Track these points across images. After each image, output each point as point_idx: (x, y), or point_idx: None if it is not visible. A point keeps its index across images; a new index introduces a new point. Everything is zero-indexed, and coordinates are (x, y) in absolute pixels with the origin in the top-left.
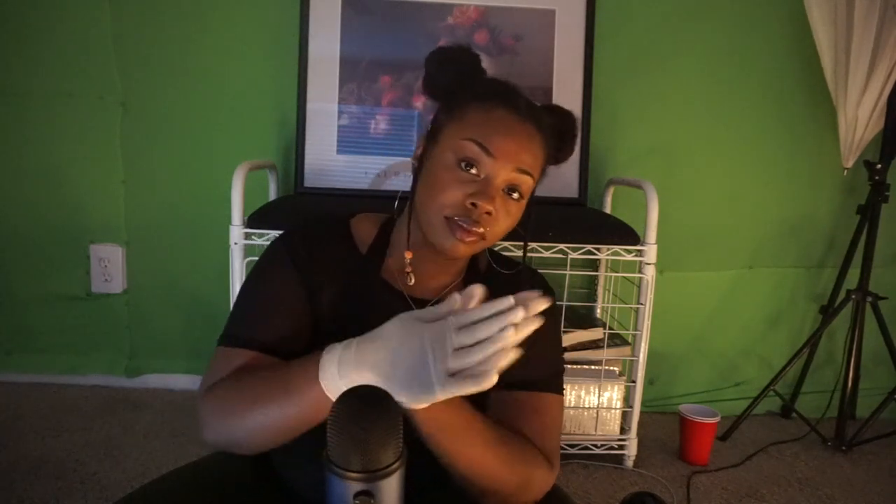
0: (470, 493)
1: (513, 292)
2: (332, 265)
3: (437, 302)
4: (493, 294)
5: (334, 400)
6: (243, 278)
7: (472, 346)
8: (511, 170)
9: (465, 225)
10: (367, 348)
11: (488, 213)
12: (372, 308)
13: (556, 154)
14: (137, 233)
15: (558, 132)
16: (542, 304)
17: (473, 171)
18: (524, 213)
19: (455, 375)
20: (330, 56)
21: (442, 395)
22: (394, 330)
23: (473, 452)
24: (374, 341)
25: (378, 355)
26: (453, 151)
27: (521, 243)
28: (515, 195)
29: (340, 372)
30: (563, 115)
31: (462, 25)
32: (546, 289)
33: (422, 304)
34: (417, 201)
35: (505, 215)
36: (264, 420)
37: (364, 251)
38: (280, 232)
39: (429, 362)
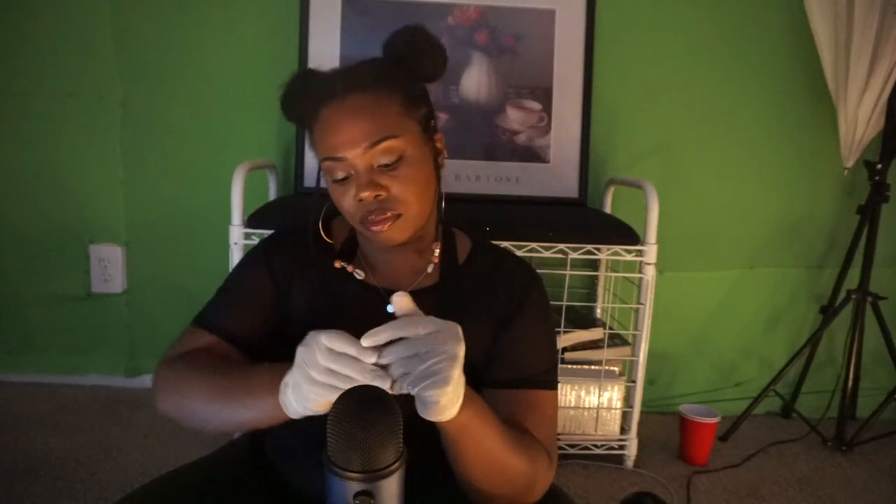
0: (478, 497)
1: (496, 282)
2: (306, 267)
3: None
4: (475, 286)
5: (287, 414)
6: None
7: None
8: (362, 153)
9: (372, 217)
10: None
11: (378, 197)
12: (345, 305)
13: (418, 71)
14: (137, 233)
15: (402, 56)
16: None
17: (346, 177)
18: (434, 163)
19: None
20: (330, 56)
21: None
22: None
23: (494, 450)
24: None
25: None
26: (326, 174)
27: (522, 243)
28: (391, 163)
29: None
30: (396, 35)
31: (462, 25)
32: (533, 277)
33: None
34: None
35: (400, 184)
36: (223, 414)
37: (337, 250)
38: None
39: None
